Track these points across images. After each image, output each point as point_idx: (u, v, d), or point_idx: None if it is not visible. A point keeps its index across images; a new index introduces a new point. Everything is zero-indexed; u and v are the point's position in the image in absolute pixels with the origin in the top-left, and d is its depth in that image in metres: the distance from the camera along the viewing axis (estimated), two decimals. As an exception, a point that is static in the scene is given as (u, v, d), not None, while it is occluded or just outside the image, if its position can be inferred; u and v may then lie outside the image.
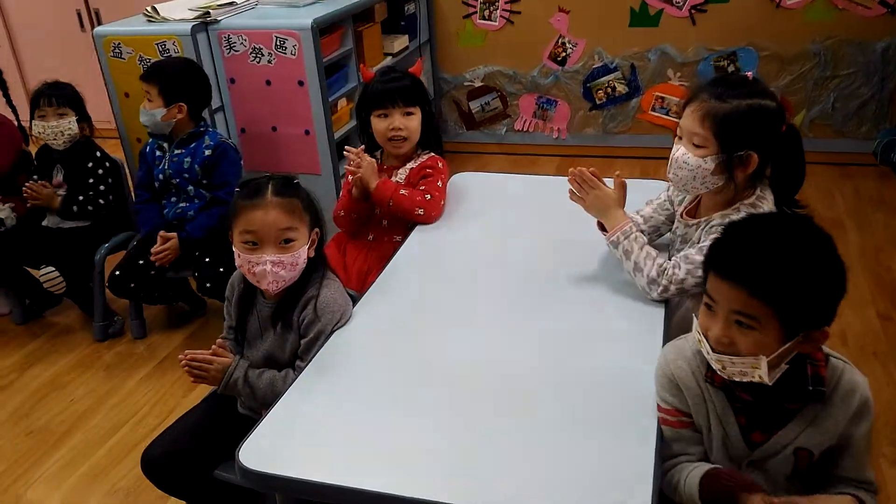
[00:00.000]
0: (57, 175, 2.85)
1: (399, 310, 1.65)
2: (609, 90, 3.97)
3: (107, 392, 2.53)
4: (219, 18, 2.90)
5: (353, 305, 1.66)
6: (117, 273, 2.62)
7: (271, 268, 1.50)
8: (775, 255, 1.09)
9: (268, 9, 3.09)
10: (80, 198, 2.77)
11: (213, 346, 1.59)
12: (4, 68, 4.92)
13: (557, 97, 4.07)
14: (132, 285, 2.63)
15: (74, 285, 2.82)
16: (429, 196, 2.03)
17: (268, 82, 2.92)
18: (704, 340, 1.17)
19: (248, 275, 1.55)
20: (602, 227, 1.71)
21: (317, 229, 1.60)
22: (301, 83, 2.88)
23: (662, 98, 3.90)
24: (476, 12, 3.99)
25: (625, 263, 1.63)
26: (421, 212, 2.02)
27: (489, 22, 4.00)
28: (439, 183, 2.08)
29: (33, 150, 2.96)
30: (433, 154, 2.15)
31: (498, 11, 3.95)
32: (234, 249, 1.54)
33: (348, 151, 2.05)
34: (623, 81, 3.92)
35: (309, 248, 1.56)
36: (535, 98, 4.11)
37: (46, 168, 2.87)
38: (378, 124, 2.09)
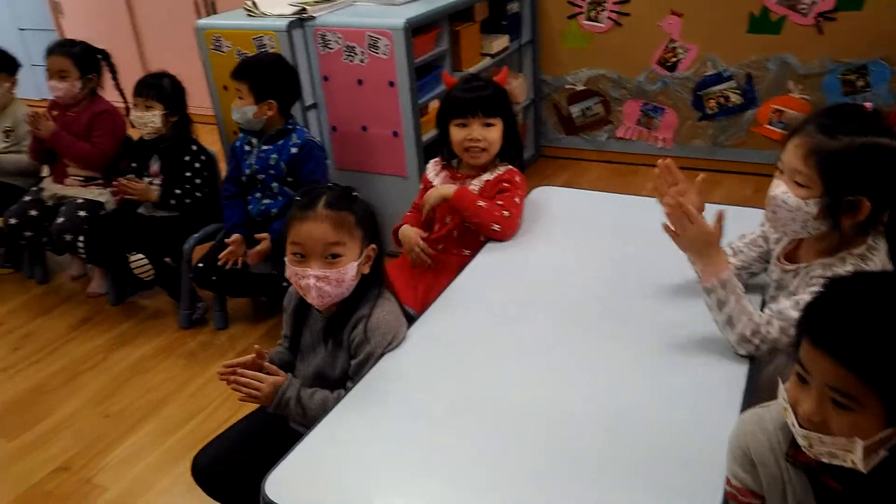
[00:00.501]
0: (153, 164, 2.93)
1: (455, 335, 1.57)
2: (722, 100, 3.71)
3: (184, 381, 2.58)
4: (315, 15, 2.89)
5: (411, 325, 1.59)
6: (201, 266, 2.67)
7: (315, 282, 1.45)
8: (884, 327, 0.92)
9: (365, 6, 3.05)
10: (178, 191, 2.83)
11: (253, 357, 1.53)
12: (127, 54, 5.19)
13: (664, 105, 3.85)
14: (214, 278, 2.67)
15: (163, 272, 2.89)
16: (506, 213, 1.93)
17: (360, 81, 2.89)
18: (791, 412, 1.02)
19: (296, 287, 1.51)
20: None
21: (373, 245, 1.53)
22: (391, 84, 2.83)
23: (781, 111, 3.61)
24: (582, 13, 3.82)
25: (714, 313, 1.45)
26: (497, 227, 1.92)
27: (595, 23, 3.82)
28: (517, 199, 1.97)
29: (135, 136, 3.06)
30: (511, 167, 2.04)
31: (605, 13, 3.77)
32: (285, 260, 1.50)
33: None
34: (737, 91, 3.65)
35: (362, 265, 1.50)
36: (640, 105, 3.91)
37: (144, 156, 2.96)
38: (456, 134, 2.01)
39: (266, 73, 2.57)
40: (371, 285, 1.54)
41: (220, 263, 2.59)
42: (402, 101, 2.85)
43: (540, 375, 1.42)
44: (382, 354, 1.48)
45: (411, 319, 1.63)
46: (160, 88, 2.80)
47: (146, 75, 2.87)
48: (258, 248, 2.57)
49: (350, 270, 1.47)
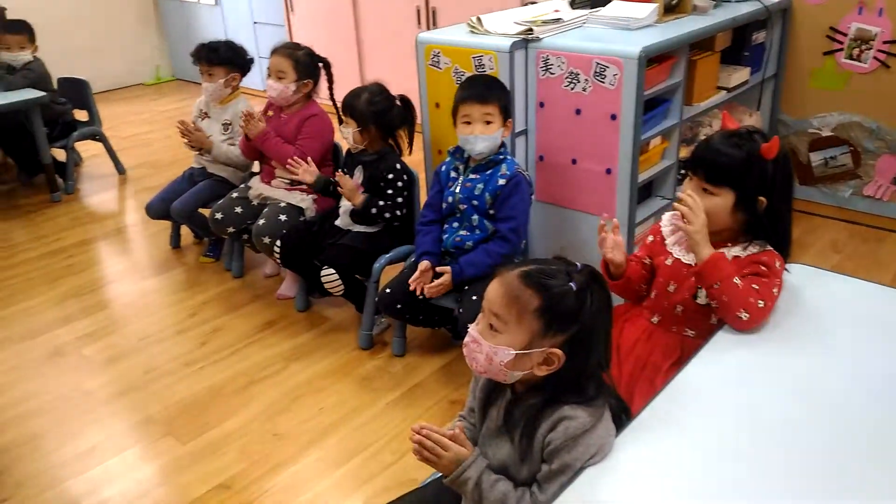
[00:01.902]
0: (357, 176, 2.86)
1: (677, 457, 1.26)
2: None
3: (354, 408, 2.47)
4: (541, 36, 2.67)
5: (620, 430, 1.31)
6: (387, 291, 2.56)
7: (469, 340, 1.29)
8: None
9: (596, 29, 2.78)
10: (381, 203, 2.74)
11: (452, 430, 1.35)
12: (347, 57, 5.30)
13: (932, 164, 3.24)
14: (399, 306, 2.55)
15: (353, 287, 2.81)
16: (762, 302, 1.56)
17: (578, 111, 2.63)
18: None
19: None
20: None
21: (559, 351, 1.24)
22: (613, 117, 2.55)
23: None
24: (842, 49, 3.31)
25: None
26: (745, 316, 1.55)
27: (857, 63, 3.28)
28: (774, 290, 1.60)
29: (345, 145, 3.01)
30: (772, 249, 1.66)
31: (871, 52, 3.23)
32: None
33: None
34: None
35: (536, 363, 1.25)
36: (899, 161, 3.32)
37: (351, 166, 2.90)
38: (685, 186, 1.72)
39: (508, 96, 2.43)
40: (576, 384, 1.26)
41: (411, 289, 2.45)
42: (623, 137, 2.56)
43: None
44: (583, 468, 1.22)
45: (620, 421, 1.35)
46: (353, 105, 2.73)
47: (350, 91, 2.80)
48: (438, 281, 2.41)
49: (502, 355, 1.24)
